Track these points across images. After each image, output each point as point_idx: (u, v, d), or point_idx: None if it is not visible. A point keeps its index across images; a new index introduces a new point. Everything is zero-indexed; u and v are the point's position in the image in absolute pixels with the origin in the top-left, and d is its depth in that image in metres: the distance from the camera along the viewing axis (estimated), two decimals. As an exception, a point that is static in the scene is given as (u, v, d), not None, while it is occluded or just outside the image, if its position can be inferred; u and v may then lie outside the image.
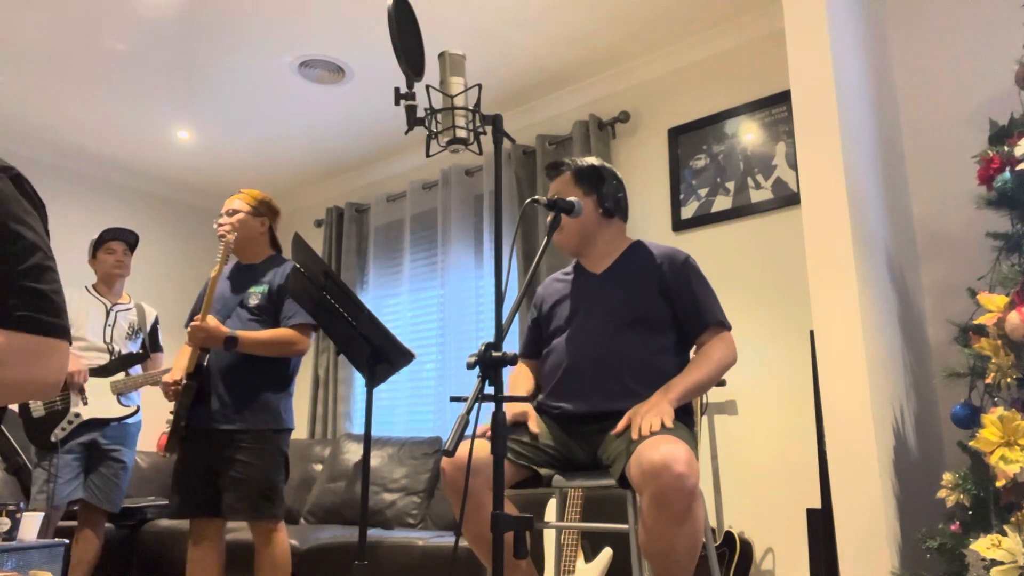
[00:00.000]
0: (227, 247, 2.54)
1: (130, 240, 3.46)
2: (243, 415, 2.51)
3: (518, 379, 2.16)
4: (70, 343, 0.97)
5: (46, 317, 0.93)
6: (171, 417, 2.55)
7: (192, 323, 2.45)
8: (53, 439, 3.10)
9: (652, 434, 1.68)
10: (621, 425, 1.81)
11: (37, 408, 3.15)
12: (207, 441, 2.52)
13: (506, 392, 2.04)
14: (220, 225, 2.69)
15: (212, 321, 2.44)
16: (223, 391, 2.53)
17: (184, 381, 2.52)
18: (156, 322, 3.58)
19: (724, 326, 1.99)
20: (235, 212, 2.70)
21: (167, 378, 2.56)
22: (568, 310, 2.08)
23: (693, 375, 1.89)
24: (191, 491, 2.53)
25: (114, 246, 3.43)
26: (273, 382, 2.58)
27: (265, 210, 2.75)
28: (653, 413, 1.76)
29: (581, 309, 2.05)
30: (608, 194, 2.08)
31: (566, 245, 2.11)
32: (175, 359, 2.77)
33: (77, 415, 3.16)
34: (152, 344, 3.52)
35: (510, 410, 1.97)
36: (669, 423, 1.73)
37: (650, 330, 1.97)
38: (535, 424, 1.94)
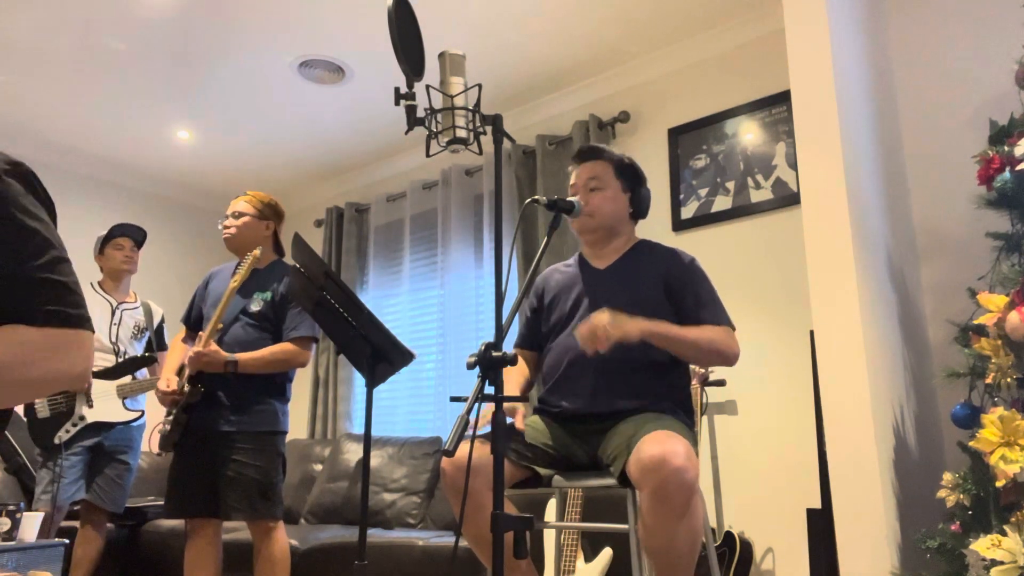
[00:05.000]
0: (254, 259, 2.53)
1: (138, 237, 3.47)
2: (241, 418, 2.53)
3: (511, 373, 2.11)
4: (93, 332, 0.98)
5: (71, 309, 0.94)
6: (166, 417, 2.57)
7: (193, 350, 2.47)
8: (57, 441, 3.10)
9: (652, 432, 1.68)
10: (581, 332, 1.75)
11: (42, 409, 3.15)
12: (205, 442, 2.53)
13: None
14: (225, 227, 2.70)
15: (213, 346, 2.47)
16: (221, 394, 2.54)
17: (186, 388, 2.54)
18: (162, 321, 3.58)
19: (728, 326, 1.97)
20: (241, 215, 2.71)
21: (161, 386, 2.56)
22: (571, 304, 2.06)
23: (680, 330, 1.86)
24: (188, 492, 2.53)
25: (122, 242, 3.43)
26: (270, 387, 2.60)
27: (270, 213, 2.76)
28: (612, 323, 1.72)
29: (584, 304, 2.04)
30: (644, 198, 2.11)
31: (594, 227, 2.06)
32: (166, 358, 2.77)
33: (82, 417, 3.16)
34: (158, 343, 3.52)
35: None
36: (615, 334, 1.71)
37: None
38: (521, 422, 1.88)
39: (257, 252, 2.55)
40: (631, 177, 2.10)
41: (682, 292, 1.99)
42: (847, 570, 1.95)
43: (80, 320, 0.95)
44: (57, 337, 0.92)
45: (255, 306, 2.63)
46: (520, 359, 2.17)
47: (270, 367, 2.54)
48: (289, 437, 4.49)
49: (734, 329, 1.97)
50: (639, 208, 2.11)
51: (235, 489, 2.46)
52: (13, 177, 0.95)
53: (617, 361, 1.94)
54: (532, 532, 2.90)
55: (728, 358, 1.91)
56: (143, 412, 3.33)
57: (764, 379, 3.05)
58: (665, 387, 1.94)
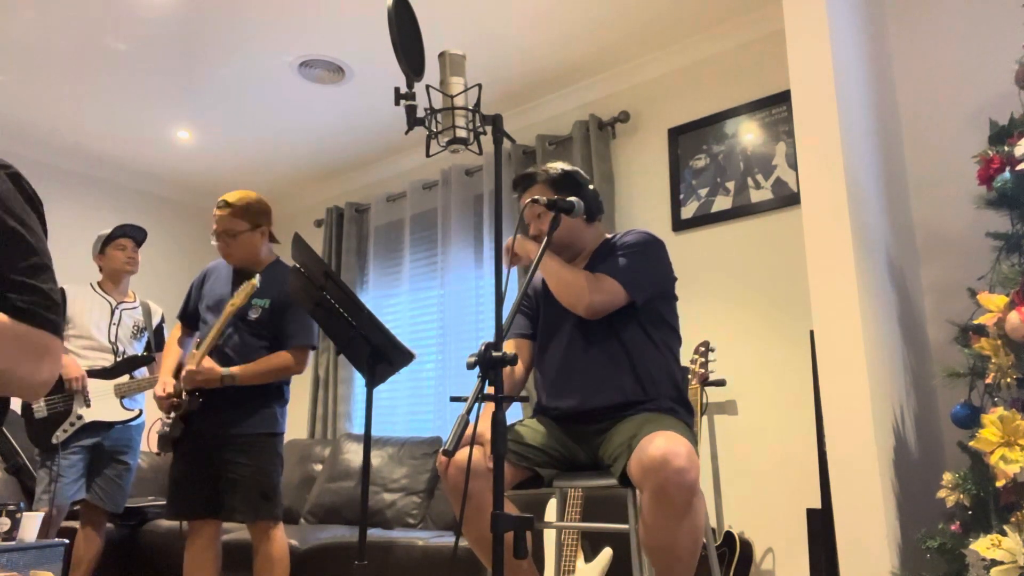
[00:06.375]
0: (252, 287, 2.48)
1: (139, 237, 3.47)
2: (240, 420, 2.53)
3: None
4: (63, 341, 0.96)
5: (46, 313, 0.93)
6: (165, 418, 2.58)
7: (187, 369, 2.46)
8: (54, 441, 3.10)
9: (653, 432, 1.68)
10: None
11: (40, 409, 3.15)
12: (204, 445, 2.54)
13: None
14: (221, 249, 2.64)
15: (208, 363, 2.46)
16: (220, 397, 2.54)
17: (184, 396, 2.53)
18: (162, 321, 3.58)
19: (627, 289, 1.91)
20: (236, 233, 2.62)
21: (158, 391, 2.56)
22: (554, 312, 2.08)
23: (562, 266, 1.96)
24: (189, 494, 2.54)
25: (124, 243, 3.43)
26: (268, 389, 2.60)
27: (262, 219, 2.68)
28: (520, 243, 2.01)
29: (561, 313, 2.04)
30: (589, 199, 2.05)
31: (557, 250, 2.07)
32: (163, 358, 2.76)
33: (80, 417, 3.16)
34: (157, 343, 3.52)
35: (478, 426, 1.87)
36: (519, 249, 2.03)
37: (628, 324, 1.96)
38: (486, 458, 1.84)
39: (255, 282, 2.49)
40: (570, 187, 2.03)
41: (612, 258, 1.98)
42: (847, 570, 1.95)
43: (53, 326, 0.93)
44: (29, 334, 0.90)
45: (253, 314, 2.60)
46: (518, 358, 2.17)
47: (266, 377, 2.54)
48: (289, 437, 4.50)
49: (627, 296, 1.91)
50: (588, 211, 2.04)
51: (237, 491, 2.46)
52: (2, 179, 0.95)
53: (602, 360, 1.94)
54: (532, 532, 2.90)
55: (580, 298, 1.89)
56: (141, 411, 3.33)
57: (764, 379, 3.05)
58: (659, 383, 1.94)
